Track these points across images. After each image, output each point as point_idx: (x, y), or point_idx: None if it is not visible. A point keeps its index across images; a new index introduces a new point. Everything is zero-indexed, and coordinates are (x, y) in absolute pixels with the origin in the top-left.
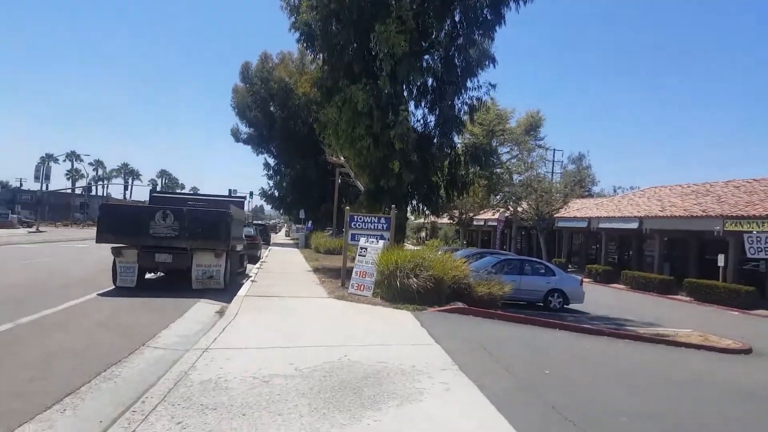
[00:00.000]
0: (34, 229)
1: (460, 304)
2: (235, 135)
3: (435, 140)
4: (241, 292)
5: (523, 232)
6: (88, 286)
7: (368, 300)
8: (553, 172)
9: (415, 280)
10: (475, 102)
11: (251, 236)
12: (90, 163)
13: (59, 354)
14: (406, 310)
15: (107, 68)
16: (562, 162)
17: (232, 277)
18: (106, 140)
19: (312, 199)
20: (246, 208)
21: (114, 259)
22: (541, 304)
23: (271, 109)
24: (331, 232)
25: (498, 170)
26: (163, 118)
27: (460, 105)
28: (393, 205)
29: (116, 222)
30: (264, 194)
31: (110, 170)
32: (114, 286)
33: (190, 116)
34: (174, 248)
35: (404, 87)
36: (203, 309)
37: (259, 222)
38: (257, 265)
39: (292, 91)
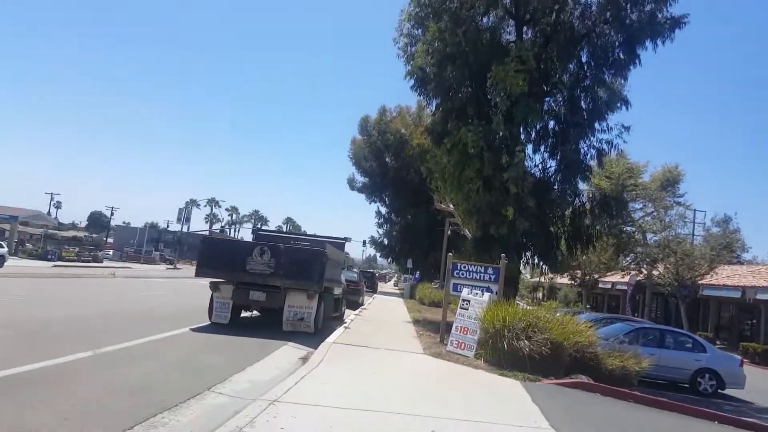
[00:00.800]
0: (172, 266)
1: (583, 378)
2: (351, 184)
3: (555, 187)
4: (331, 338)
5: (658, 299)
6: (186, 319)
7: (468, 361)
8: (693, 235)
9: (526, 342)
10: (604, 146)
11: (354, 281)
12: (226, 209)
13: (117, 391)
14: (515, 379)
15: (245, 129)
16: (705, 224)
17: (325, 321)
18: (241, 189)
19: (420, 249)
20: (360, 255)
21: (212, 294)
22: (687, 385)
23: (386, 159)
24: (438, 284)
25: (629, 228)
26: (290, 170)
27: (586, 149)
28: (503, 255)
29: (215, 256)
30: (374, 242)
31: (243, 216)
32: (209, 322)
33: (313, 168)
34: (267, 286)
35: (521, 129)
36: (287, 353)
37: (369, 270)
38: (357, 311)
39: (406, 142)
